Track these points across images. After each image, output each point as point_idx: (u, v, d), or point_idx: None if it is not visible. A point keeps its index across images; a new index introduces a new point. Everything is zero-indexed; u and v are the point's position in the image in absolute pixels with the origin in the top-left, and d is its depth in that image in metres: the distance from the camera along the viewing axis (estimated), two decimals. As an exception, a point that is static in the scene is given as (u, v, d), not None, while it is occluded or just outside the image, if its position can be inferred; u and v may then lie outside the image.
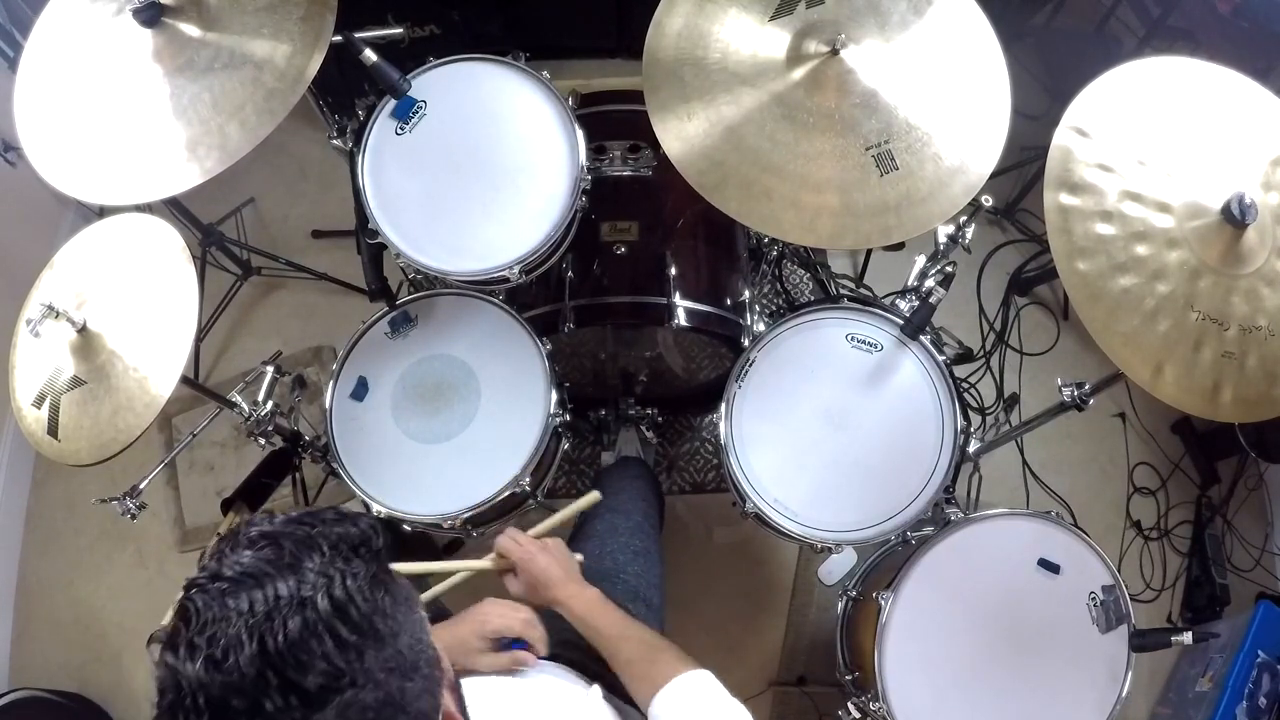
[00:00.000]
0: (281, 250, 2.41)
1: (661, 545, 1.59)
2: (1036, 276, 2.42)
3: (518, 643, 1.08)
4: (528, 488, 1.55)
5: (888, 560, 1.71)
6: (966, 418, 1.53)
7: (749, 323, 1.73)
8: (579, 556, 1.23)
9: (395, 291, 1.68)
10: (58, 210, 2.46)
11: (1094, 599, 1.39)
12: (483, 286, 1.58)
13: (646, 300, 1.67)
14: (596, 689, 1.03)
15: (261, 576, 0.56)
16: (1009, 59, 1.32)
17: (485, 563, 1.23)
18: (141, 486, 1.48)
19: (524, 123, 1.53)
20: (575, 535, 1.56)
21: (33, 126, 1.37)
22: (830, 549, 1.51)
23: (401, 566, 1.20)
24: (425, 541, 1.88)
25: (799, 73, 1.31)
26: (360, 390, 1.57)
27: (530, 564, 1.17)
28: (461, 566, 1.24)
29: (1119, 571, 1.40)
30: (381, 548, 0.62)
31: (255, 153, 1.31)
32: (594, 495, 1.36)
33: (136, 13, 1.32)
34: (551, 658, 1.11)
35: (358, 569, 0.58)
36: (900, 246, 1.66)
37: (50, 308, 1.22)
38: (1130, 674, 1.36)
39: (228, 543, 0.59)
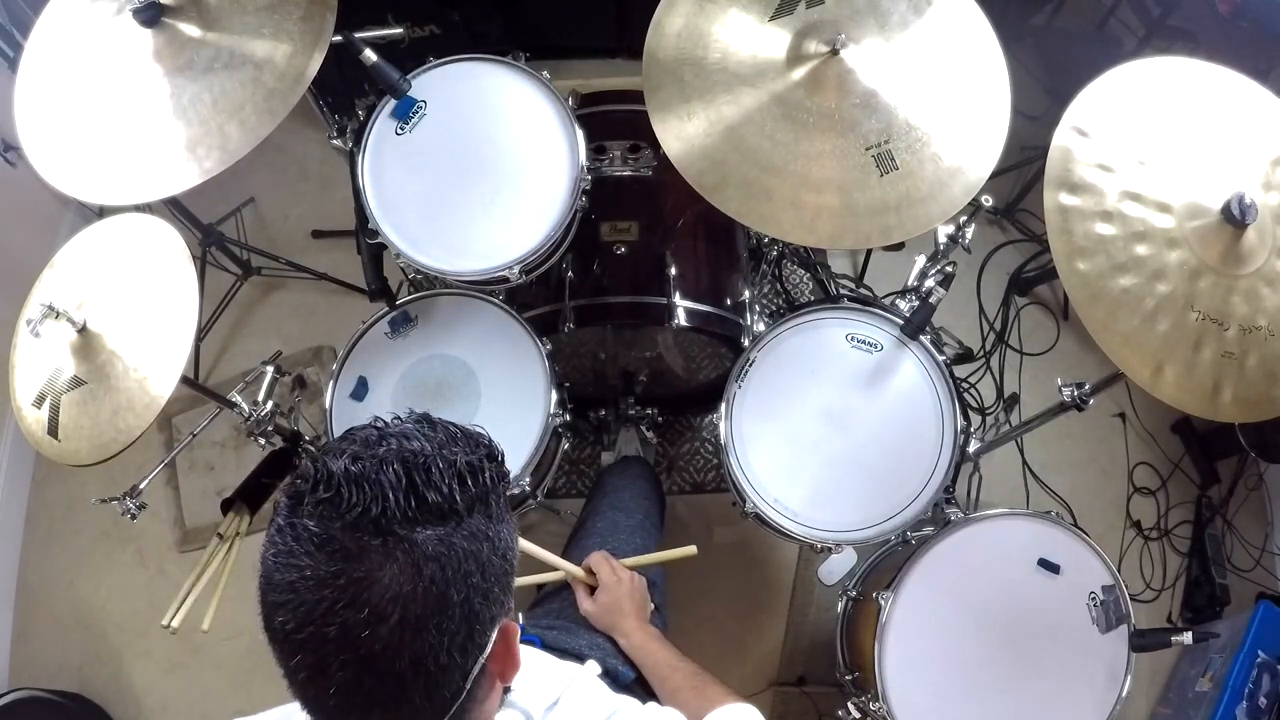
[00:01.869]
0: (281, 250, 2.41)
1: (663, 545, 1.59)
2: (1036, 276, 2.42)
3: (529, 635, 1.10)
4: (528, 488, 1.55)
5: (888, 560, 1.71)
6: (966, 418, 1.53)
7: (749, 323, 1.73)
8: (652, 606, 1.30)
9: (395, 291, 1.68)
10: (58, 210, 2.46)
11: (1094, 599, 1.39)
12: (483, 286, 1.58)
13: (646, 300, 1.66)
14: (592, 663, 1.04)
15: (415, 436, 0.67)
16: (1009, 59, 1.32)
17: (575, 568, 1.29)
18: (141, 486, 1.47)
19: (524, 123, 1.53)
20: (577, 533, 1.55)
21: (33, 126, 1.37)
22: (830, 549, 1.51)
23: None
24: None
25: (799, 73, 1.31)
26: (360, 390, 1.57)
27: (615, 588, 1.26)
28: (554, 561, 1.29)
29: (1119, 571, 1.40)
30: (506, 472, 0.72)
31: (255, 153, 1.31)
32: (691, 549, 1.39)
33: (136, 13, 1.33)
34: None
35: (490, 466, 0.69)
36: (900, 246, 1.66)
37: (50, 308, 1.22)
38: (1130, 674, 1.36)
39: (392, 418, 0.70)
